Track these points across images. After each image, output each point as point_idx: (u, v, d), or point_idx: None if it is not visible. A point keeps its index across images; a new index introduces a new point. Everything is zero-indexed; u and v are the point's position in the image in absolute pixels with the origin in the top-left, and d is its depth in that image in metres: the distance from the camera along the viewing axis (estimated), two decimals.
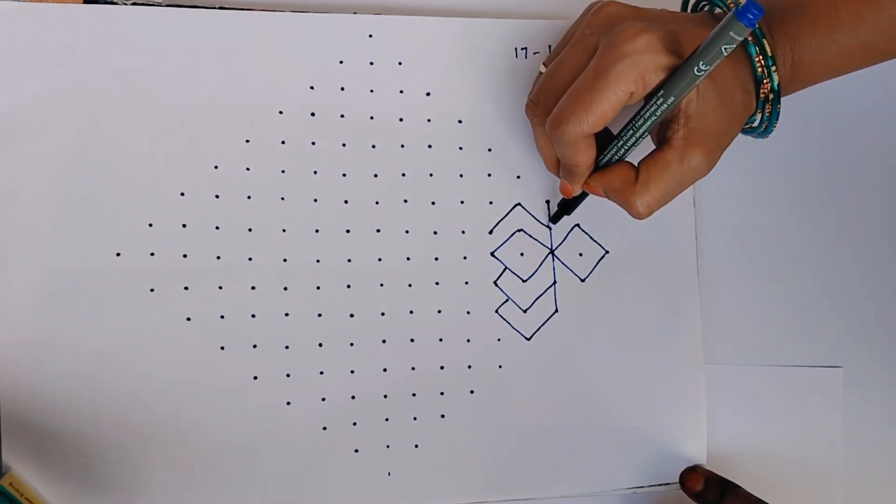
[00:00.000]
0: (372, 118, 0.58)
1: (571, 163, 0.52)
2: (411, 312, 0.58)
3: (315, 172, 0.57)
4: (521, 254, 0.59)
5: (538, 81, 0.54)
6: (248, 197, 0.56)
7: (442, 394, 0.58)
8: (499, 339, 0.59)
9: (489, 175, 0.59)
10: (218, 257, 0.55)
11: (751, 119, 0.54)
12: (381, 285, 0.57)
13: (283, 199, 0.56)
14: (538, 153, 0.57)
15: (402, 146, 0.58)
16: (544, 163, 0.56)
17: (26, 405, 0.52)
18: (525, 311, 0.59)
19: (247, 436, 0.55)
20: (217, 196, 0.56)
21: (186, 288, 0.55)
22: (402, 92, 0.58)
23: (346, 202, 0.57)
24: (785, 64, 0.52)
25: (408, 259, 0.58)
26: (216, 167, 0.56)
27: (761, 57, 0.51)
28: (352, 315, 0.57)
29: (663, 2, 0.55)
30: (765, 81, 0.52)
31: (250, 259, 0.56)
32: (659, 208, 0.52)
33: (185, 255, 0.55)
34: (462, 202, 0.59)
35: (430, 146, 0.59)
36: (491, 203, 0.59)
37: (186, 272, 0.55)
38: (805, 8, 0.52)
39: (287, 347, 0.56)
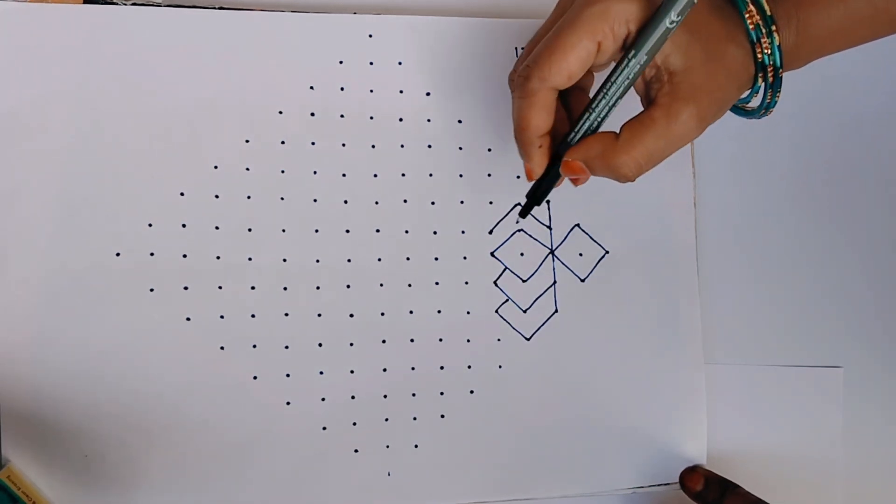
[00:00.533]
0: (372, 118, 0.58)
1: (522, 123, 0.48)
2: (411, 312, 0.58)
3: (315, 172, 0.57)
4: (521, 254, 0.59)
5: None
6: (248, 197, 0.56)
7: (442, 394, 0.58)
8: (499, 340, 0.59)
9: (489, 175, 0.59)
10: (218, 257, 0.55)
11: (754, 89, 0.50)
12: (381, 285, 0.57)
13: (282, 199, 0.56)
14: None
15: (402, 146, 0.58)
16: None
17: (26, 404, 0.52)
18: (525, 312, 0.59)
19: (247, 436, 0.55)
20: (217, 196, 0.56)
21: (186, 288, 0.55)
22: (402, 92, 0.58)
23: (345, 202, 0.57)
24: (789, 25, 0.48)
25: (407, 259, 0.58)
26: (216, 167, 0.56)
27: (756, 13, 0.48)
28: (351, 315, 0.57)
29: None
30: (764, 42, 0.48)
31: (250, 259, 0.56)
32: (648, 169, 0.47)
33: (184, 255, 0.55)
34: (462, 202, 0.59)
35: (429, 146, 0.59)
36: (491, 203, 0.59)
37: (186, 272, 0.55)
38: None
39: (287, 347, 0.56)
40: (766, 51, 0.48)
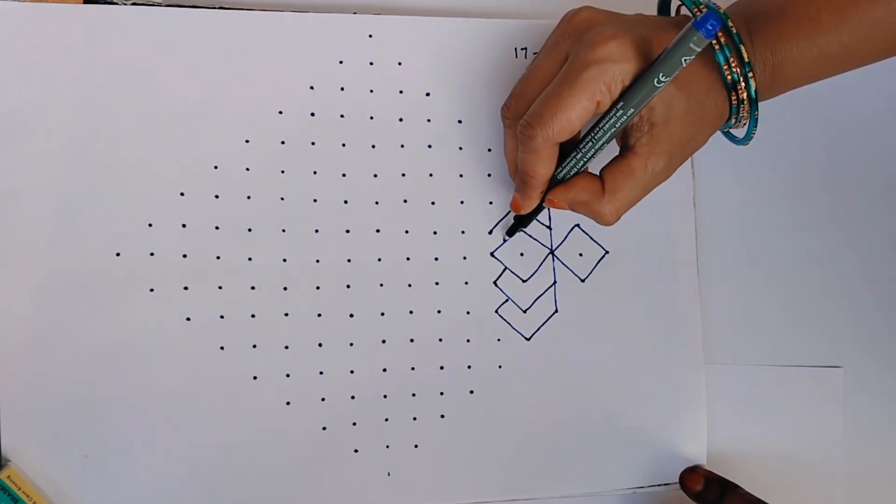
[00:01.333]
0: (372, 118, 0.58)
1: (529, 172, 0.52)
2: (411, 312, 0.58)
3: (315, 172, 0.57)
4: (521, 254, 0.59)
5: (514, 87, 0.54)
6: (248, 197, 0.56)
7: (442, 394, 0.58)
8: (499, 340, 0.59)
9: (489, 175, 0.59)
10: (218, 257, 0.55)
11: (726, 124, 0.53)
12: (381, 285, 0.57)
13: (282, 199, 0.56)
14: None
15: (402, 146, 0.58)
16: (508, 168, 0.56)
17: (27, 404, 0.52)
18: (525, 312, 0.59)
19: (247, 436, 0.55)
20: (217, 196, 0.55)
21: (186, 288, 0.55)
22: (401, 92, 0.58)
23: (345, 202, 0.57)
24: (765, 69, 0.51)
25: (408, 259, 0.58)
26: (216, 167, 0.56)
27: (735, 63, 0.50)
28: (351, 315, 0.57)
29: (642, 5, 0.54)
30: (740, 87, 0.50)
31: (250, 259, 0.56)
32: (624, 213, 0.52)
33: (184, 256, 0.55)
34: (462, 202, 0.59)
35: (429, 146, 0.59)
36: (491, 203, 0.59)
37: (186, 272, 0.55)
38: (786, 11, 0.51)
39: (287, 347, 0.56)
40: (742, 96, 0.51)
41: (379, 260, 0.57)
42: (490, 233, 0.59)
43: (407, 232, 0.58)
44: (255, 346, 0.55)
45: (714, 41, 0.50)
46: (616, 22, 0.50)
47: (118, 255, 0.54)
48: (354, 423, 0.56)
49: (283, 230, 0.56)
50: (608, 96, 0.48)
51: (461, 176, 0.59)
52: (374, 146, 0.58)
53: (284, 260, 0.56)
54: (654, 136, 0.50)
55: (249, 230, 0.56)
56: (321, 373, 0.56)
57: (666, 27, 0.50)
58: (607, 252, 0.60)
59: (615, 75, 0.47)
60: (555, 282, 0.60)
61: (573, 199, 0.52)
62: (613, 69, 0.47)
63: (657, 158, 0.50)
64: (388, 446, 0.57)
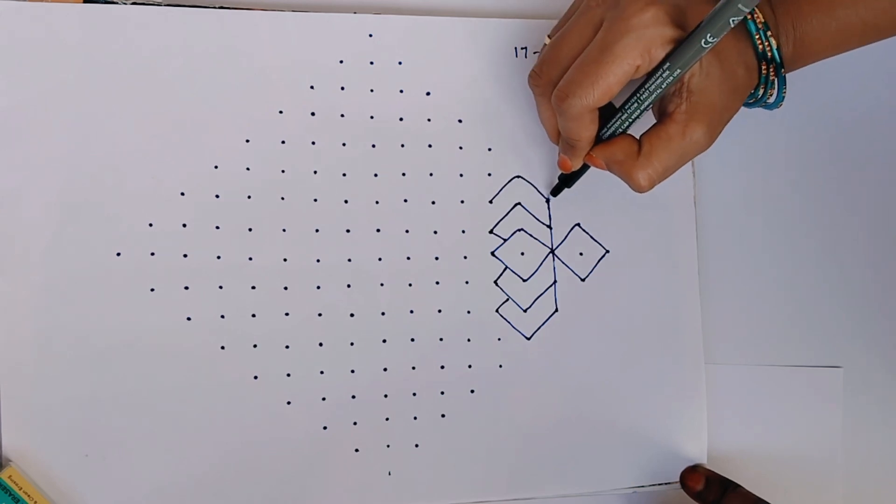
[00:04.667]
0: (372, 118, 0.58)
1: (574, 137, 0.52)
2: (411, 312, 0.58)
3: (315, 172, 0.57)
4: (522, 253, 0.59)
5: (542, 52, 0.54)
6: (249, 197, 0.56)
7: (442, 393, 0.58)
8: (499, 339, 0.59)
9: (489, 175, 0.59)
10: (218, 257, 0.55)
11: (754, 94, 0.54)
12: (382, 285, 0.57)
13: (283, 198, 0.56)
14: (541, 127, 0.57)
15: (402, 146, 0.58)
16: (547, 134, 0.56)
17: (27, 404, 0.52)
18: (525, 311, 0.59)
19: (247, 435, 0.55)
20: (217, 196, 0.55)
21: (187, 288, 0.55)
22: (402, 91, 0.58)
23: (346, 202, 0.57)
24: (787, 41, 0.53)
25: (408, 258, 0.58)
26: (216, 167, 0.56)
27: (762, 33, 0.52)
28: (352, 315, 0.57)
29: None
30: (768, 55, 0.52)
31: (250, 259, 0.56)
32: (660, 181, 0.52)
33: (185, 255, 0.55)
34: (462, 202, 0.59)
35: (430, 146, 0.59)
36: (491, 202, 0.59)
37: (187, 272, 0.55)
38: None
39: (287, 347, 0.56)
40: (769, 67, 0.52)
41: (379, 259, 0.57)
42: (490, 232, 0.59)
43: (407, 231, 0.58)
44: (255, 346, 0.55)
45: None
46: None
47: (118, 254, 0.54)
48: (355, 423, 0.56)
49: (284, 230, 0.56)
50: (647, 61, 0.48)
51: (461, 175, 0.59)
52: (374, 146, 0.58)
53: (285, 259, 0.56)
54: (693, 104, 0.50)
55: (250, 230, 0.56)
56: (322, 372, 0.56)
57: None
58: (608, 251, 0.60)
59: (654, 40, 0.48)
60: (555, 281, 0.60)
61: (610, 157, 0.52)
62: (653, 34, 0.48)
63: (695, 126, 0.50)
64: (388, 446, 0.57)
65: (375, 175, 0.58)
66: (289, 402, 0.56)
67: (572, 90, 0.49)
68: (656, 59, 0.48)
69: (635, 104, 0.51)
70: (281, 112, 0.57)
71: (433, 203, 0.58)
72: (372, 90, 0.58)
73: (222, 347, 0.55)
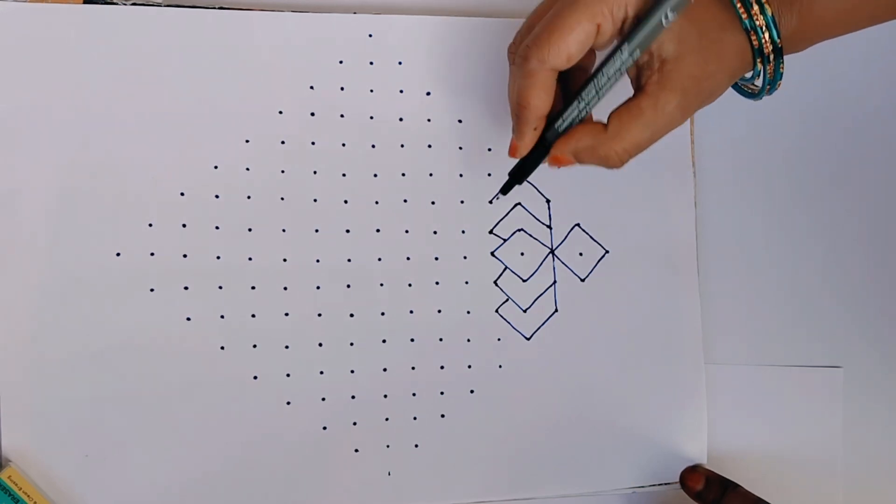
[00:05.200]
0: (372, 118, 0.58)
1: (522, 103, 0.49)
2: (411, 312, 0.58)
3: (315, 172, 0.57)
4: (522, 253, 0.59)
5: None
6: (248, 197, 0.56)
7: (442, 393, 0.58)
8: (499, 339, 0.59)
9: (489, 175, 0.59)
10: (218, 257, 0.55)
11: (755, 73, 0.51)
12: (381, 285, 0.57)
13: (282, 199, 0.56)
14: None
15: (402, 146, 0.58)
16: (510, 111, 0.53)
17: (27, 404, 0.52)
18: (525, 311, 0.59)
19: (247, 435, 0.55)
20: (217, 196, 0.55)
21: (186, 288, 0.55)
22: (401, 92, 0.58)
23: (345, 202, 0.57)
24: (792, 9, 0.49)
25: (408, 259, 0.58)
26: (216, 167, 0.56)
27: (746, 8, 0.48)
28: (352, 315, 0.57)
29: None
30: (759, 23, 0.48)
31: (250, 259, 0.56)
32: (634, 156, 0.49)
33: (185, 255, 0.55)
34: (462, 202, 0.59)
35: (429, 146, 0.59)
36: (491, 203, 0.59)
37: (186, 272, 0.55)
38: None
39: (287, 347, 0.56)
40: (763, 36, 0.48)
41: (379, 260, 0.57)
42: (490, 232, 0.59)
43: (407, 232, 0.58)
44: (255, 346, 0.55)
45: None
46: None
47: (118, 255, 0.54)
48: (355, 423, 0.56)
49: (284, 230, 0.56)
50: (609, 20, 0.46)
51: (461, 175, 0.59)
52: (374, 146, 0.58)
53: (285, 260, 0.56)
54: (665, 74, 0.47)
55: (249, 230, 0.56)
56: (321, 372, 0.56)
57: None
58: (607, 252, 0.60)
59: (619, 0, 0.45)
60: (555, 281, 0.60)
61: (575, 146, 0.49)
62: None
63: (668, 96, 0.47)
64: (388, 446, 0.57)
65: (375, 175, 0.58)
66: (288, 403, 0.56)
67: (530, 44, 0.47)
68: (618, 20, 0.46)
69: (593, 91, 0.48)
70: (281, 112, 0.57)
71: (433, 203, 0.58)
72: (372, 90, 0.58)
73: (222, 347, 0.55)
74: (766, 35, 0.48)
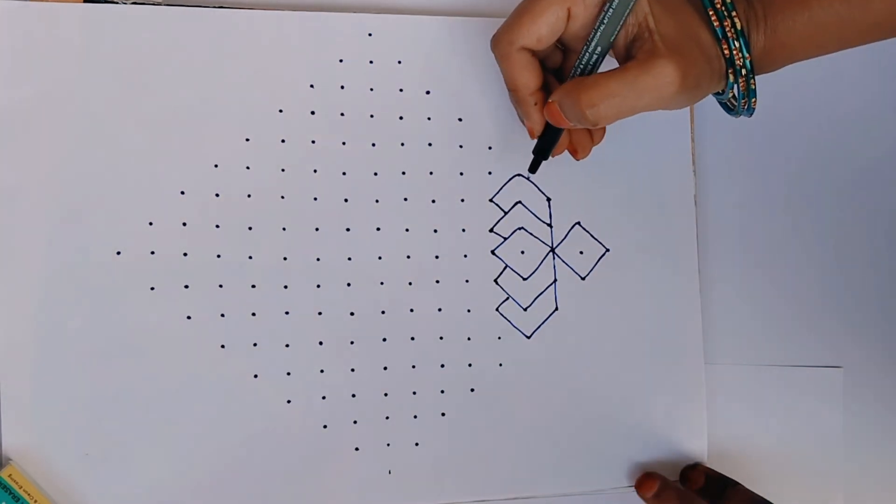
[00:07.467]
0: (372, 116, 0.58)
1: (510, 86, 0.51)
2: (412, 311, 0.58)
3: (315, 171, 0.57)
4: (522, 252, 0.59)
5: None
6: (248, 195, 0.56)
7: (442, 392, 0.58)
8: (499, 338, 0.59)
9: (489, 173, 0.59)
10: (218, 255, 0.55)
11: (728, 85, 0.51)
12: (382, 283, 0.57)
13: (283, 197, 0.56)
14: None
15: (402, 144, 0.58)
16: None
17: (28, 403, 0.52)
18: (525, 310, 0.59)
19: (247, 434, 0.55)
20: (217, 194, 0.55)
21: (187, 286, 0.55)
22: (401, 90, 0.58)
23: (346, 200, 0.57)
24: (758, 29, 0.50)
25: (408, 257, 0.58)
26: (216, 165, 0.56)
27: (716, 10, 0.49)
28: (352, 313, 0.57)
29: None
30: (734, 42, 0.49)
31: (250, 257, 0.56)
32: (610, 114, 0.48)
33: (185, 254, 0.55)
34: (462, 200, 0.59)
35: (430, 144, 0.59)
36: (491, 201, 0.59)
37: (187, 270, 0.55)
38: None
39: (287, 346, 0.56)
40: (734, 45, 0.49)
41: (379, 258, 0.57)
42: (491, 231, 0.59)
43: (407, 230, 0.58)
44: (255, 345, 0.55)
45: None
46: None
47: (119, 253, 0.54)
48: (355, 422, 0.56)
49: (284, 228, 0.56)
50: (581, 6, 0.48)
51: (461, 174, 0.59)
52: (374, 144, 0.58)
53: (285, 258, 0.56)
54: (656, 42, 0.48)
55: (250, 228, 0.56)
56: (322, 371, 0.56)
57: None
58: (608, 250, 0.60)
59: None
60: (555, 280, 0.60)
61: (561, 93, 0.49)
62: None
63: (657, 59, 0.47)
64: (388, 444, 0.57)
65: (375, 174, 0.58)
66: (289, 401, 0.56)
67: (499, 31, 0.49)
68: (591, 5, 0.48)
69: (586, 55, 0.50)
70: (281, 111, 0.57)
71: (433, 202, 0.58)
72: (372, 89, 0.58)
73: (222, 346, 0.55)
74: (737, 44, 0.49)
